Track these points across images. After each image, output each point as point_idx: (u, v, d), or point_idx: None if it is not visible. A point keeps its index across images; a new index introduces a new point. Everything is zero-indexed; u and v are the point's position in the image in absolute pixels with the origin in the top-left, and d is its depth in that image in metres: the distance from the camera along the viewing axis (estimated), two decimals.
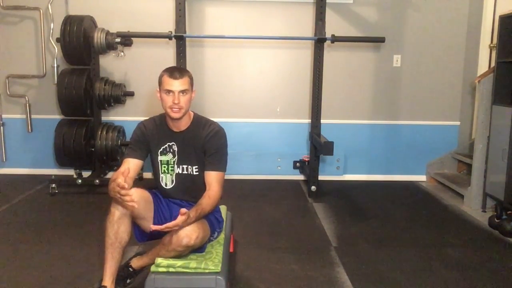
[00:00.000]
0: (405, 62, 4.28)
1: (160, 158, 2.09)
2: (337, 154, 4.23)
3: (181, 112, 2.00)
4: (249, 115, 4.30)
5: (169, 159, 2.09)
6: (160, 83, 2.04)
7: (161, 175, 2.11)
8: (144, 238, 2.08)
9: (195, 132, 2.08)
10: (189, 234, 1.82)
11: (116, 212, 1.89)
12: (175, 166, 2.09)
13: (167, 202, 2.12)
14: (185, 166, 2.08)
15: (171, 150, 2.08)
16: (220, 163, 2.06)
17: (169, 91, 1.99)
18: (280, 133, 4.35)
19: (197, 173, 2.08)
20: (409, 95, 4.34)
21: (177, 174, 2.10)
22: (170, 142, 2.09)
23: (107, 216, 1.92)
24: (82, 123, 3.87)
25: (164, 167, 2.10)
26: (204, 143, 2.05)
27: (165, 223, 1.81)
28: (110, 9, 4.09)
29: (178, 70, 2.06)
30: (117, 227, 1.90)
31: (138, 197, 1.91)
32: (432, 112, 4.37)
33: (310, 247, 2.73)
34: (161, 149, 2.09)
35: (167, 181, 2.11)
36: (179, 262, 1.84)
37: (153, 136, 2.10)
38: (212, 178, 2.02)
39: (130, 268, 2.10)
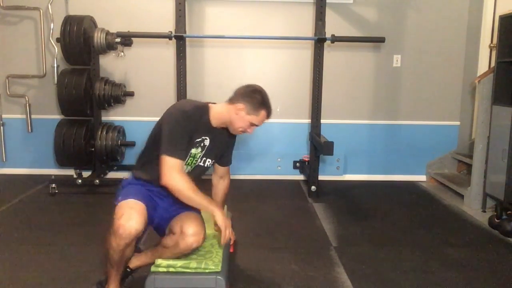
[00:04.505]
0: (405, 62, 4.28)
1: (191, 150, 1.97)
2: (337, 154, 4.22)
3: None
4: None
5: (197, 152, 2.00)
6: (254, 109, 1.96)
7: None
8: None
9: (225, 129, 2.07)
10: (197, 239, 1.86)
11: (125, 242, 1.76)
12: (199, 159, 2.03)
13: (159, 194, 2.01)
14: (205, 159, 2.05)
15: (202, 144, 2.00)
16: (231, 158, 2.25)
17: (255, 125, 2.01)
18: (280, 133, 4.35)
19: (211, 166, 2.11)
20: (409, 95, 4.34)
21: (197, 166, 2.04)
22: (204, 136, 1.99)
23: (113, 237, 1.77)
24: (82, 123, 3.87)
25: (190, 159, 2.00)
26: (229, 139, 2.14)
27: (167, 214, 1.98)
28: (110, 9, 4.08)
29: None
30: (124, 250, 1.82)
31: (143, 222, 1.80)
32: (432, 112, 4.37)
33: (310, 247, 2.73)
34: (195, 141, 1.97)
35: None
36: (179, 263, 1.84)
37: (195, 126, 1.94)
38: (227, 171, 2.25)
39: (127, 269, 2.09)
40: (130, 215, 1.76)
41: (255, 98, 1.97)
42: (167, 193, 1.92)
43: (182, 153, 1.86)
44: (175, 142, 1.83)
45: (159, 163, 1.83)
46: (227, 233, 1.84)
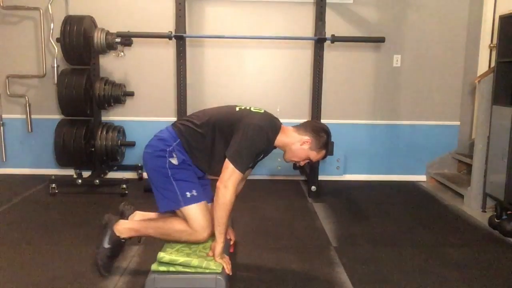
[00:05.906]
0: (405, 62, 4.28)
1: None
2: (337, 154, 4.23)
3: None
4: None
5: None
6: (318, 147, 2.07)
7: None
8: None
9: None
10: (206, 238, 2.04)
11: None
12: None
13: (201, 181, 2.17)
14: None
15: (256, 161, 2.09)
16: None
17: (310, 160, 2.09)
18: None
19: None
20: (409, 95, 4.34)
21: None
22: (264, 154, 2.11)
23: (188, 237, 1.99)
24: (82, 123, 3.87)
25: None
26: (270, 151, 2.16)
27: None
28: (110, 9, 4.09)
29: None
30: None
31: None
32: (432, 112, 4.37)
33: (310, 247, 2.73)
34: (257, 159, 2.10)
35: None
36: (181, 259, 1.84)
37: (265, 148, 2.06)
38: (248, 173, 2.25)
39: (122, 240, 2.13)
40: (209, 228, 1.98)
41: (322, 137, 2.07)
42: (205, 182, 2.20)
43: (245, 169, 1.96)
44: (246, 157, 1.94)
45: (219, 162, 1.97)
46: (225, 261, 1.93)
